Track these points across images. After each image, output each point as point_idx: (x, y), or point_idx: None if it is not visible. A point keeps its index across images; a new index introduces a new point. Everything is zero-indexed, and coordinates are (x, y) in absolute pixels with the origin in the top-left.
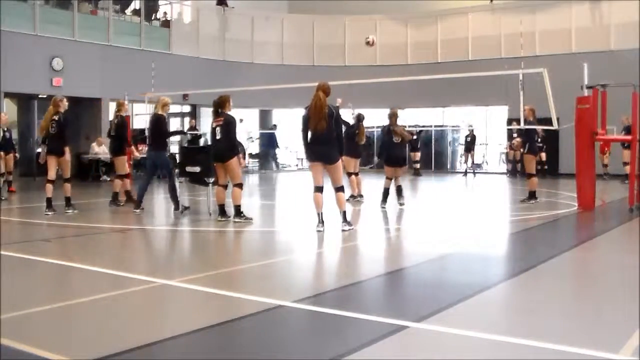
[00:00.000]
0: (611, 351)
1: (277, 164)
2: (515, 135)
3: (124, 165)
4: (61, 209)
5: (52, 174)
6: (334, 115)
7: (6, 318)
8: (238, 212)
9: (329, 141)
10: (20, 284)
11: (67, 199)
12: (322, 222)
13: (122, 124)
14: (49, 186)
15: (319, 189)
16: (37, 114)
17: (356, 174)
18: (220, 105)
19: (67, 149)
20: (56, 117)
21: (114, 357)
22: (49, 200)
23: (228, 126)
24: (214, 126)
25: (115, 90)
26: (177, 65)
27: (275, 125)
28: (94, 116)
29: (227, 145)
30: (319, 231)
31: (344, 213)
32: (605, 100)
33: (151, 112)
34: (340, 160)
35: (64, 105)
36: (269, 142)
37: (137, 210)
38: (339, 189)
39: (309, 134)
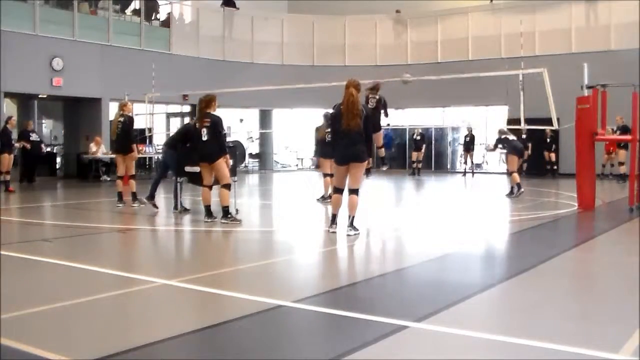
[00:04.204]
0: (611, 351)
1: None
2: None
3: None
4: (120, 202)
5: (121, 171)
6: (363, 114)
7: (6, 318)
8: (226, 213)
9: (360, 140)
10: (20, 284)
11: (133, 194)
12: (336, 223)
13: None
14: (119, 182)
15: (339, 191)
16: (37, 114)
17: (331, 175)
18: (206, 105)
19: (134, 147)
20: (121, 119)
21: (114, 357)
22: (119, 194)
23: (215, 127)
24: (198, 127)
25: (115, 90)
26: (177, 65)
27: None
28: (94, 116)
29: (215, 145)
30: (333, 232)
31: (353, 218)
32: (605, 100)
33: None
34: (365, 162)
35: (129, 108)
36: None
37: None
38: (355, 192)
39: (337, 133)
